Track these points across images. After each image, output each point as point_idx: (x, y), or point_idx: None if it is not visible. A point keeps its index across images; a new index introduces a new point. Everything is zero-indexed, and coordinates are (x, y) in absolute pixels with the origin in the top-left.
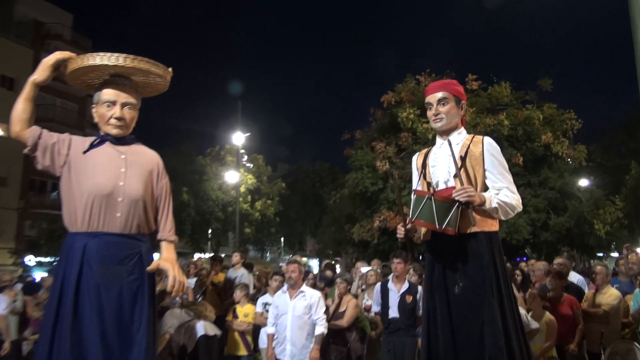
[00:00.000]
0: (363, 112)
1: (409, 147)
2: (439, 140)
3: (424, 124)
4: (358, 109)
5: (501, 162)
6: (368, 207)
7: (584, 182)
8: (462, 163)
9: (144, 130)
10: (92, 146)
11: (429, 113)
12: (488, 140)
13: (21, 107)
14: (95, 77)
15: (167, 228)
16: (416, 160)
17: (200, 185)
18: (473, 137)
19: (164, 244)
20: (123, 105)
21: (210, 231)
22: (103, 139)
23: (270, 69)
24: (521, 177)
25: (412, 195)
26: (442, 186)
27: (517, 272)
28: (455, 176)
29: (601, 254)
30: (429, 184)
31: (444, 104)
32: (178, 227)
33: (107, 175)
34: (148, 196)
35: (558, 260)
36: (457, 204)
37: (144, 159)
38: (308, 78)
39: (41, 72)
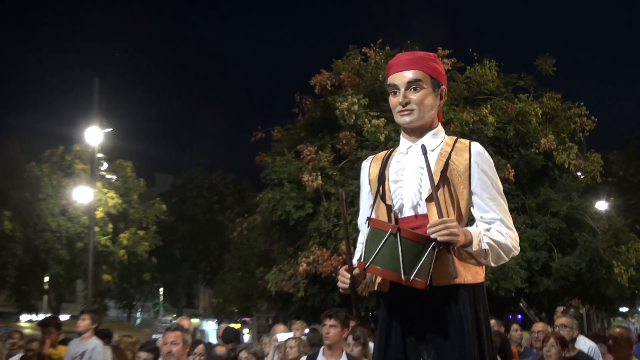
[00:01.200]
0: (284, 100)
1: (351, 152)
2: (404, 142)
3: (373, 119)
4: (277, 95)
5: (494, 183)
6: (290, 242)
7: (600, 206)
8: (440, 180)
9: None
10: None
11: (393, 100)
12: (477, 148)
13: None
14: None
15: None
16: (369, 168)
17: (32, 208)
18: (455, 141)
19: None
20: None
21: (47, 279)
22: None
23: (144, 33)
24: (512, 199)
25: (365, 226)
26: (408, 213)
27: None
28: (429, 200)
29: (623, 309)
30: (388, 209)
31: (416, 89)
32: None
33: None
34: None
35: (561, 320)
36: (433, 244)
37: None
38: (203, 48)
39: None
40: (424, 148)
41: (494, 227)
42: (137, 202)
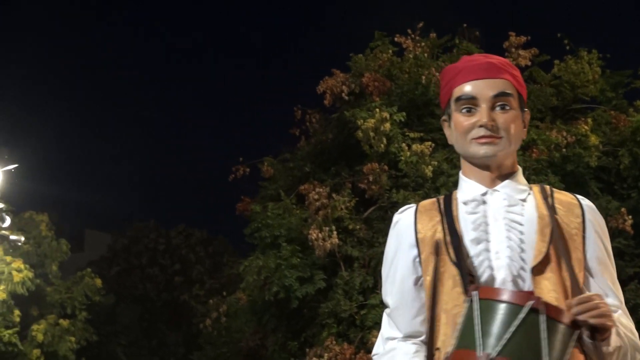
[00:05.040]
0: (278, 116)
1: (383, 195)
2: (473, 185)
3: (414, 143)
4: (266, 109)
5: (609, 253)
6: (293, 334)
7: None
8: (553, 242)
9: None
10: None
11: (466, 121)
12: (589, 203)
13: None
14: None
15: None
16: (414, 223)
17: None
18: (552, 191)
19: None
20: None
21: None
22: None
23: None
24: (631, 261)
25: (472, 296)
26: (508, 287)
27: None
28: (538, 271)
29: None
30: (466, 281)
31: (503, 108)
32: None
33: None
34: None
35: None
36: (579, 332)
37: None
38: (149, 48)
39: None
40: (546, 189)
41: (617, 315)
42: (57, 276)
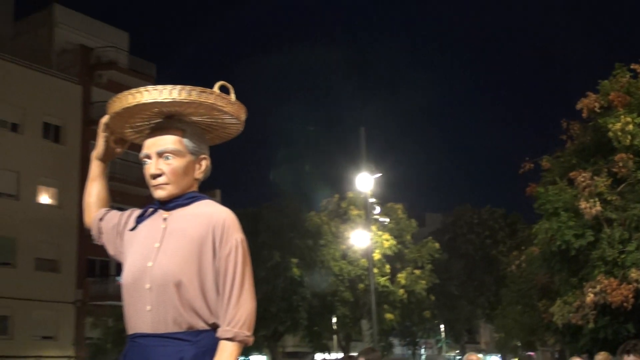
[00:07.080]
0: (550, 127)
1: (630, 175)
2: None
3: None
4: (542, 123)
5: None
6: (573, 273)
7: None
8: None
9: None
10: (140, 219)
11: None
12: None
13: (87, 190)
14: (142, 120)
15: (227, 319)
16: None
17: (316, 254)
18: None
19: (220, 344)
20: (159, 155)
21: (335, 320)
22: (156, 208)
23: (406, 77)
24: None
25: None
26: None
27: None
28: None
29: None
30: None
31: None
32: (289, 315)
33: (136, 256)
34: (192, 276)
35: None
36: None
37: (193, 222)
38: (462, 84)
39: (99, 142)
40: None
41: None
42: (410, 242)
